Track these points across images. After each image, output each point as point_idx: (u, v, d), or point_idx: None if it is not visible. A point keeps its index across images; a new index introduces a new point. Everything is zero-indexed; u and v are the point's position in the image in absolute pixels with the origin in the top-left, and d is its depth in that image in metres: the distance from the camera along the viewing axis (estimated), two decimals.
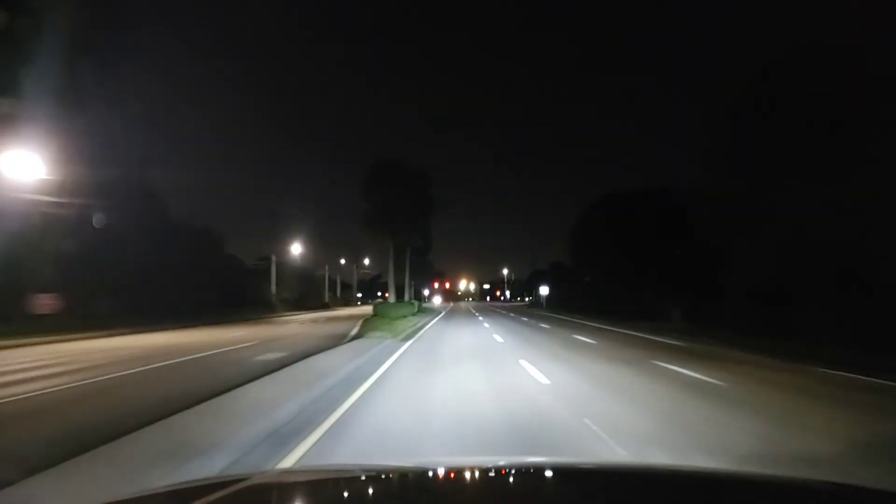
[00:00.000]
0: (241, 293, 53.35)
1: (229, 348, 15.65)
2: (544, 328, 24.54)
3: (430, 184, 32.81)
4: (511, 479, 1.89)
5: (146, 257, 37.88)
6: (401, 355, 12.64)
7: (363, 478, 1.94)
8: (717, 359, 12.84)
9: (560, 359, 12.21)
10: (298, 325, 29.66)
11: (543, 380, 8.92)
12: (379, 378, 8.96)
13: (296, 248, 59.47)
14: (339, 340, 17.14)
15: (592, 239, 37.51)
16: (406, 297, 39.53)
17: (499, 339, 17.85)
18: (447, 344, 16.09)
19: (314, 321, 34.66)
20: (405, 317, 29.11)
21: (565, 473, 1.94)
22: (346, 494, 1.72)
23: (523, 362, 11.19)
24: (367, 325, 23.54)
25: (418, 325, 25.27)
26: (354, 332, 20.37)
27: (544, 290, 69.85)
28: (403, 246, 33.61)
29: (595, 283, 43.05)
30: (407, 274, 38.52)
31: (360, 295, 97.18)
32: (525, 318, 35.40)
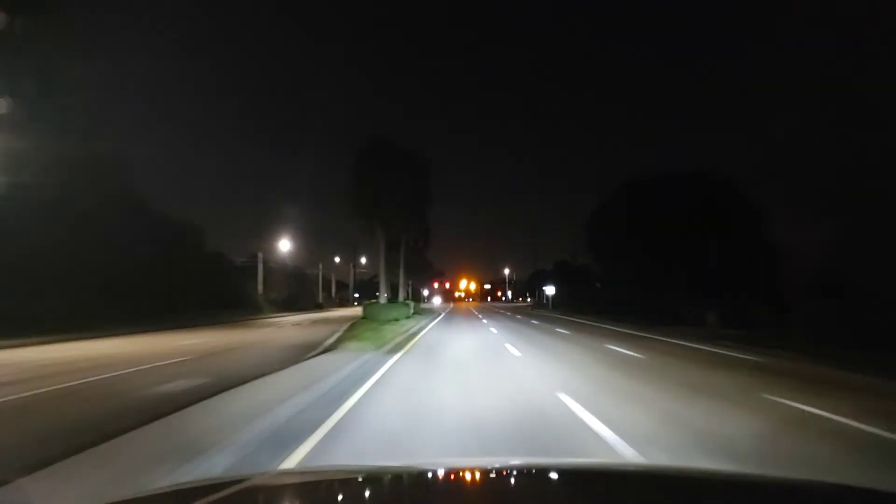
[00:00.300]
0: (226, 293, 49.36)
1: (148, 366, 11.49)
2: (563, 334, 20.38)
3: (429, 169, 28.63)
4: (511, 480, 1.86)
5: (113, 251, 33.75)
6: (375, 384, 8.48)
7: (362, 479, 1.90)
8: (859, 390, 8.75)
9: (617, 390, 8.06)
10: (273, 330, 25.58)
11: (622, 447, 4.78)
12: (309, 456, 4.73)
13: (285, 245, 55.16)
14: (304, 353, 13.00)
15: (610, 232, 33.28)
16: (400, 297, 35.28)
17: (514, 350, 13.70)
18: (446, 360, 11.93)
19: (296, 324, 30.72)
20: (398, 320, 24.95)
21: (565, 474, 1.90)
22: (346, 496, 1.69)
23: (565, 398, 7.05)
24: (351, 331, 19.41)
25: (412, 330, 21.13)
26: (331, 340, 16.21)
27: (550, 290, 65.67)
28: (397, 238, 29.30)
29: (609, 282, 38.84)
30: (401, 271, 34.21)
31: (357, 295, 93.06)
32: (535, 321, 31.24)
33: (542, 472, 1.98)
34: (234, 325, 30.74)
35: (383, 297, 27.96)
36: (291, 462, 4.33)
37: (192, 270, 44.75)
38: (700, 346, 15.70)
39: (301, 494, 1.65)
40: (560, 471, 1.96)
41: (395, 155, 26.38)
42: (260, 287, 53.12)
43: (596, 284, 59.19)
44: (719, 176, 28.16)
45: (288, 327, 28.56)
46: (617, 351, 13.92)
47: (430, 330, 22.43)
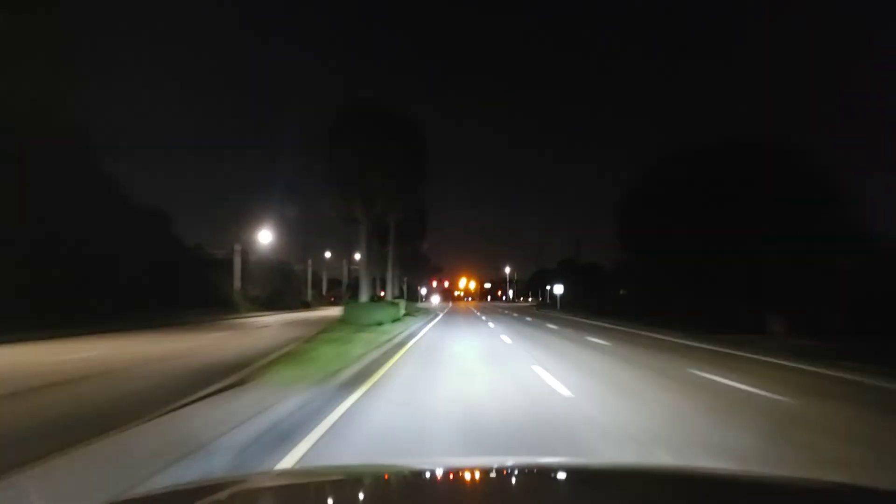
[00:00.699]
0: (201, 289, 43.97)
1: None
2: (602, 346, 14.97)
3: (423, 137, 23.03)
4: (513, 480, 1.80)
5: (61, 239, 28.50)
6: None
7: (363, 479, 1.85)
8: None
9: None
10: (226, 335, 20.18)
11: None
12: None
13: (269, 238, 49.11)
14: (211, 381, 7.61)
15: (646, 220, 27.71)
16: (388, 295, 29.76)
17: (553, 381, 8.21)
18: (443, 409, 6.42)
19: (263, 327, 25.57)
20: (381, 324, 19.49)
21: (567, 474, 1.84)
22: (346, 496, 1.65)
23: None
24: (311, 340, 14.04)
25: (397, 338, 15.65)
26: (271, 357, 10.77)
27: (558, 289, 60.20)
28: (384, 219, 23.61)
29: (639, 280, 33.42)
30: (390, 263, 28.62)
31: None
32: (551, 325, 25.78)
33: (544, 471, 1.92)
34: (191, 327, 25.65)
35: (364, 294, 22.42)
36: None
37: (159, 264, 39.54)
38: (826, 372, 10.30)
39: (301, 494, 1.59)
40: (561, 470, 1.92)
41: (381, 118, 20.87)
42: (237, 283, 47.51)
43: (609, 283, 54.02)
44: (785, 146, 22.71)
45: (250, 330, 23.35)
46: (730, 386, 8.44)
47: (421, 338, 17.01)
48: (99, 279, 31.65)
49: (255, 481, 1.78)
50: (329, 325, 19.65)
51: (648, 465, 3.25)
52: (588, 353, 13.13)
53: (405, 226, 29.69)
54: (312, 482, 1.78)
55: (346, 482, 1.79)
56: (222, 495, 1.44)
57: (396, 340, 14.87)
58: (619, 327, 25.11)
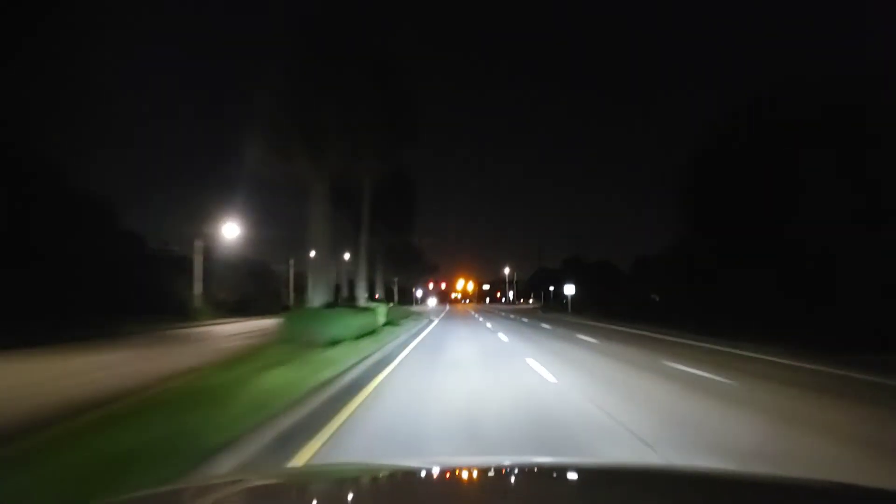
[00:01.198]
0: (157, 292, 37.01)
1: None
2: (728, 389, 8.14)
3: (405, 78, 16.10)
4: (513, 479, 1.78)
5: None
6: None
7: (364, 477, 1.83)
8: None
9: None
10: (133, 355, 13.23)
11: None
12: None
13: (232, 231, 41.59)
14: None
15: (714, 193, 20.81)
16: (360, 297, 22.76)
17: None
18: None
19: (200, 340, 18.96)
20: (338, 343, 12.48)
21: (571, 473, 1.83)
22: (346, 494, 1.64)
23: None
24: (176, 391, 7.14)
25: (347, 378, 8.60)
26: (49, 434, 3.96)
27: (569, 290, 53.55)
28: (346, 178, 16.37)
29: (686, 276, 26.64)
30: (363, 246, 21.45)
31: None
32: (586, 338, 18.78)
33: (548, 471, 1.90)
34: (110, 342, 18.66)
35: (318, 296, 15.44)
36: None
37: (99, 261, 32.66)
38: None
39: (299, 493, 1.59)
40: (562, 470, 1.90)
41: (340, 40, 13.98)
42: (197, 285, 40.29)
43: (630, 283, 47.57)
44: None
45: (177, 347, 16.53)
46: None
47: (395, 372, 10.04)
48: (14, 280, 24.89)
49: (255, 480, 1.73)
50: (261, 345, 12.75)
51: (649, 465, 3.24)
52: (740, 416, 6.25)
53: (388, 209, 22.85)
54: (311, 481, 1.78)
55: (346, 480, 1.76)
56: (221, 494, 1.45)
57: (343, 382, 7.88)
58: (679, 339, 18.28)
